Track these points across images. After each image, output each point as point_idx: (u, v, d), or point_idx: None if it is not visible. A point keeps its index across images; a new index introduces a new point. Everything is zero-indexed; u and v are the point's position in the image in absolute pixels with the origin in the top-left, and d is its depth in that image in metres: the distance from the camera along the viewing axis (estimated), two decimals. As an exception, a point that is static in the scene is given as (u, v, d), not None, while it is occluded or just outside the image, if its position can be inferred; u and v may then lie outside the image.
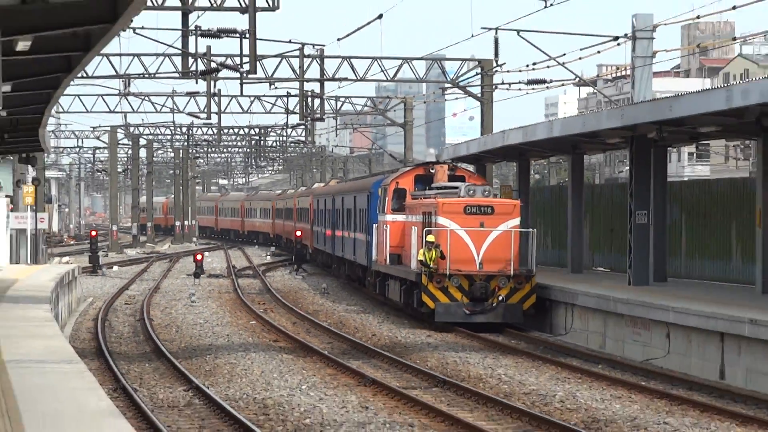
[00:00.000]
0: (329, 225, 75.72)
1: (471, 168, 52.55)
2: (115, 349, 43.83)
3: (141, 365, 40.47)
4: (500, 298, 38.89)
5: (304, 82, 79.88)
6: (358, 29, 63.16)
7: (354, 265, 64.49)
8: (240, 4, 52.29)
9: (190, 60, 57.28)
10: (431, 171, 47.62)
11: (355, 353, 43.91)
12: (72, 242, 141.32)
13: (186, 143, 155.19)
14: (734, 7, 50.88)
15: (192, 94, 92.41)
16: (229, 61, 60.29)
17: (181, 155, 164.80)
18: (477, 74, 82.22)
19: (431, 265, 39.07)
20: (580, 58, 76.15)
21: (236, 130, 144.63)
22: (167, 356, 41.67)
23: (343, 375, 38.45)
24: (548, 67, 68.95)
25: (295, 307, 62.59)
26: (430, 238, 38.99)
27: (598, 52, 63.17)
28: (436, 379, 37.07)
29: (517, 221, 40.22)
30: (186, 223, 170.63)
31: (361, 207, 57.88)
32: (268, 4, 53.00)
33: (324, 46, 78.21)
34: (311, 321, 55.04)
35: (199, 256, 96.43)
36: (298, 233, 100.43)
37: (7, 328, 34.19)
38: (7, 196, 71.17)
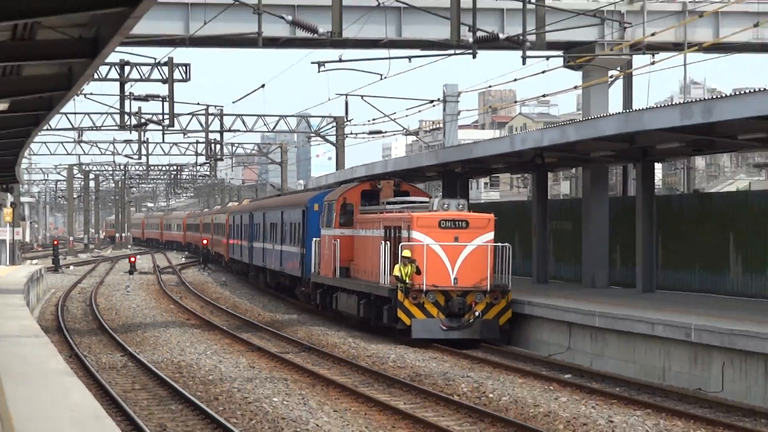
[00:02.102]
0: (246, 237, 68.54)
1: (416, 186, 45.07)
2: (70, 327, 43.31)
3: (89, 338, 40.05)
4: (476, 313, 32.88)
5: (209, 133, 79.73)
6: (248, 95, 62.96)
7: (279, 275, 56.59)
8: (161, 76, 51.83)
9: (126, 117, 56.67)
10: (378, 186, 40.95)
11: (246, 328, 43.64)
12: (40, 249, 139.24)
13: (123, 177, 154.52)
14: (515, 80, 51.45)
15: (127, 141, 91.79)
16: (154, 118, 59.68)
17: (119, 186, 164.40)
18: (333, 126, 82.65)
19: (407, 281, 32.46)
20: (406, 115, 76.88)
21: (160, 167, 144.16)
22: (109, 331, 41.26)
23: (237, 343, 38.18)
24: (384, 121, 69.23)
25: (202, 294, 62.28)
26: (407, 252, 32.30)
27: (419, 110, 63.50)
28: (303, 346, 36.77)
29: (491, 235, 33.51)
30: (123, 234, 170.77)
31: (293, 221, 50.57)
32: (182, 77, 52.77)
33: (223, 106, 78.44)
34: (214, 305, 54.80)
35: (132, 258, 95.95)
36: (205, 241, 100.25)
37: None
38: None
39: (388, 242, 34.70)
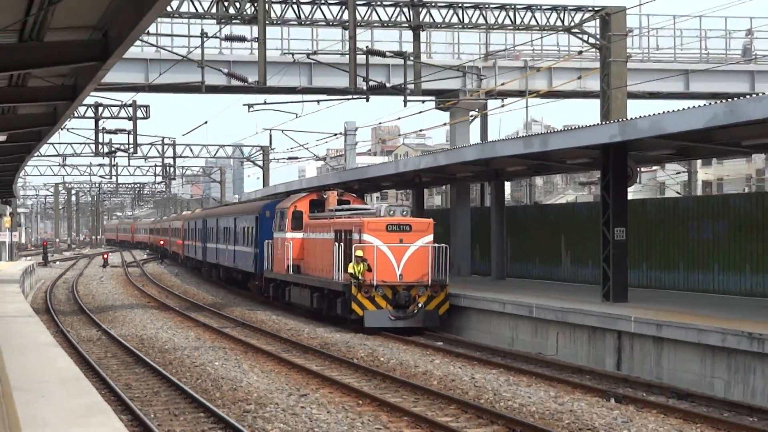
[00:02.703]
0: (200, 239, 65.46)
1: (354, 195, 41.39)
2: (56, 308, 42.74)
3: (71, 317, 39.54)
4: (419, 305, 30.11)
5: (164, 158, 79.15)
6: (194, 129, 63.49)
7: (232, 270, 52.89)
8: (127, 115, 51.47)
9: (100, 146, 56.06)
10: (324, 196, 38.76)
11: (194, 308, 43.27)
12: (32, 249, 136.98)
13: (97, 193, 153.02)
14: (399, 118, 51.83)
15: (101, 165, 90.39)
16: (122, 147, 59.03)
17: (95, 199, 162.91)
18: (260, 153, 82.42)
19: (359, 277, 30.30)
20: (316, 145, 76.95)
21: (126, 185, 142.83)
22: (87, 312, 40.77)
23: (187, 321, 37.88)
24: (299, 149, 69.54)
25: (160, 283, 61.88)
26: (359, 252, 30.22)
27: (326, 141, 63.98)
28: (237, 322, 36.60)
29: (431, 237, 31.31)
30: (98, 237, 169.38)
31: (247, 226, 47.47)
32: (144, 115, 52.43)
33: (175, 138, 77.76)
34: (168, 291, 54.41)
35: (105, 255, 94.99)
36: (162, 242, 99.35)
37: (-6, 297, 33.33)
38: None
39: (341, 243, 32.63)
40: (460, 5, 37.53)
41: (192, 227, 71.70)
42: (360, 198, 39.87)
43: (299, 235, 37.69)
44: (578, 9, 38.09)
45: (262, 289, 43.52)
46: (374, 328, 30.51)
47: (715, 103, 22.03)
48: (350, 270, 30.42)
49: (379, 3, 36.67)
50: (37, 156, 70.90)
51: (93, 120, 52.79)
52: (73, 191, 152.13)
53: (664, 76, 47.58)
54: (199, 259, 67.12)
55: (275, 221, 40.44)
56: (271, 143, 73.30)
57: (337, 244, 32.65)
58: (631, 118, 25.83)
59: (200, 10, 34.82)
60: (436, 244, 31.21)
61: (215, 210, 65.55)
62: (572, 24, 38.23)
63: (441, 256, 31.07)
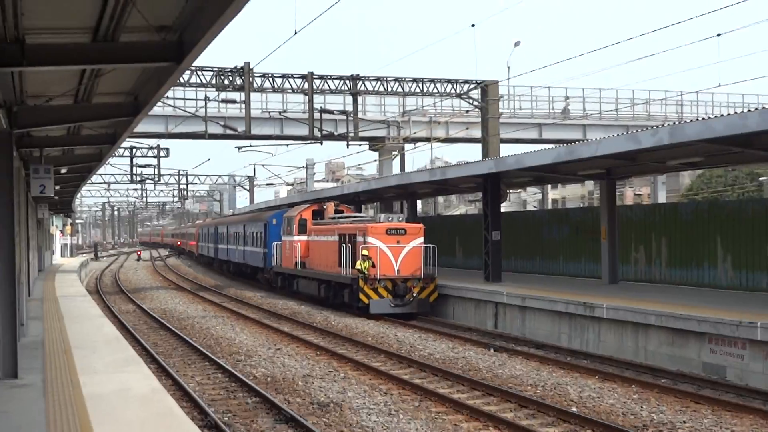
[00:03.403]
0: (212, 241, 61.05)
1: (348, 206, 36.89)
2: (103, 290, 41.99)
3: (114, 296, 38.87)
4: (414, 294, 27.21)
5: (180, 184, 78.22)
6: (201, 164, 62.54)
7: (242, 266, 47.90)
8: (153, 154, 50.80)
9: (134, 176, 55.09)
10: (324, 207, 35.01)
11: (203, 289, 42.71)
12: (86, 248, 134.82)
13: (133, 209, 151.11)
14: (344, 156, 51.86)
15: (135, 189, 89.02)
16: (150, 177, 57.89)
17: (131, 214, 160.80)
18: (247, 181, 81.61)
19: (366, 272, 27.08)
20: (287, 174, 76.10)
21: (153, 204, 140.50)
22: (125, 292, 40.11)
23: (197, 298, 37.41)
24: (274, 177, 69.07)
25: (177, 272, 61.14)
26: (365, 252, 27.22)
27: (294, 172, 63.75)
28: (232, 299, 36.20)
29: (422, 239, 27.95)
30: (134, 239, 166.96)
31: (256, 231, 42.94)
32: (165, 155, 51.98)
33: (187, 170, 76.99)
34: (184, 277, 53.77)
35: (139, 252, 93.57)
36: (179, 243, 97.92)
37: (60, 282, 32.71)
38: (61, 230, 68.19)
39: (347, 245, 28.79)
40: (385, 78, 37.59)
41: (205, 232, 69.21)
42: (349, 208, 36.10)
43: (304, 237, 34.32)
44: (466, 81, 38.29)
45: (270, 280, 39.97)
46: (378, 313, 27.10)
47: (559, 146, 22.30)
48: (358, 266, 27.16)
49: (329, 77, 36.61)
50: (89, 183, 69.66)
51: (129, 158, 52.04)
52: (115, 208, 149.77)
53: (524, 128, 48.05)
54: (211, 256, 64.02)
55: (283, 227, 36.84)
56: (254, 174, 73.06)
57: (344, 245, 29.16)
58: (503, 157, 26.09)
59: (204, 81, 34.47)
60: (425, 245, 28.03)
61: (224, 219, 63.10)
62: (462, 92, 38.42)
63: (429, 255, 28.24)
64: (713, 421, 12.95)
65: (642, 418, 13.09)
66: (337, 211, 34.81)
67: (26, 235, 21.06)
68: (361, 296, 27.08)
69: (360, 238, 27.88)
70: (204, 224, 75.45)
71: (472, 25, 39.19)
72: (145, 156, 52.16)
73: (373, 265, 27.09)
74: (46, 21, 9.36)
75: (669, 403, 14.17)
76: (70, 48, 9.95)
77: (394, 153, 49.34)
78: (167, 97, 36.40)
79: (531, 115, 50.23)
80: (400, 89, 37.90)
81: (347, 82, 36.94)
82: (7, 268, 11.64)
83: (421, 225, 28.96)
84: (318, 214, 35.04)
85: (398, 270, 27.35)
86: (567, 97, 51.81)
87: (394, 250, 27.41)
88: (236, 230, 50.39)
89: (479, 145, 40.49)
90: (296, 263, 34.36)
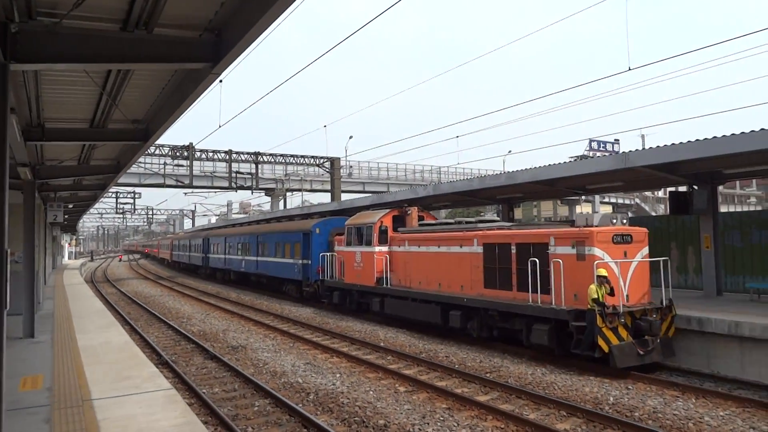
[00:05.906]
0: (192, 251, 41.82)
1: (429, 212, 16.70)
2: (96, 280, 38.54)
3: (104, 284, 35.72)
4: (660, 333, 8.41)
5: (148, 216, 73.04)
6: (163, 201, 58.36)
7: (275, 279, 25.10)
8: (131, 197, 47.18)
9: (119, 210, 51.02)
10: (408, 213, 15.77)
11: (203, 295, 39.26)
12: (85, 254, 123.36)
13: (117, 230, 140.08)
14: (250, 199, 50.09)
15: (119, 217, 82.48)
16: (129, 210, 53.60)
17: (116, 233, 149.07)
18: (192, 212, 77.23)
19: (602, 302, 8.94)
20: (216, 208, 72.97)
21: (131, 226, 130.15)
22: (110, 281, 37.03)
23: (199, 302, 34.32)
24: (208, 212, 66.20)
25: (145, 269, 56.70)
26: (602, 271, 8.97)
27: (220, 208, 61.38)
28: (235, 303, 33.29)
29: (647, 249, 9.75)
30: (118, 248, 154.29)
31: (292, 241, 22.31)
32: (138, 196, 48.71)
33: (153, 206, 72.01)
34: (149, 272, 50.19)
35: (120, 257, 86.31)
36: (146, 250, 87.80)
37: (67, 275, 29.89)
38: (69, 243, 62.32)
39: (531, 259, 10.92)
40: (275, 154, 37.51)
41: (177, 244, 49.25)
42: (432, 215, 16.91)
43: (385, 248, 15.61)
44: (322, 157, 38.85)
45: (313, 294, 20.07)
46: (625, 368, 9.65)
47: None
48: (594, 295, 9.68)
49: (241, 152, 35.89)
50: (88, 213, 64.12)
51: (114, 198, 48.64)
52: (105, 229, 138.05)
53: (354, 185, 48.96)
54: (185, 263, 43.73)
55: (346, 237, 17.06)
56: (195, 209, 69.74)
57: (519, 259, 11.34)
58: (343, 200, 25.78)
59: (163, 153, 32.87)
60: (655, 258, 11.76)
61: (217, 231, 40.03)
62: (319, 163, 38.76)
63: (658, 271, 12.70)
64: None
65: None
66: (419, 218, 16.70)
67: (44, 246, 19.20)
68: (600, 341, 9.70)
69: (552, 249, 10.83)
70: (175, 237, 53.75)
71: (325, 126, 39.63)
72: (125, 197, 48.78)
73: (612, 292, 10.10)
74: (58, 114, 9.43)
75: None
76: (74, 131, 10.09)
77: (280, 197, 48.70)
78: (139, 162, 34.22)
79: (359, 176, 51.20)
80: (283, 161, 37.82)
81: (252, 155, 36.47)
82: (29, 267, 11.00)
83: (645, 229, 10.98)
84: (398, 221, 16.46)
85: (627, 296, 10.41)
86: (378, 165, 52.79)
87: (622, 267, 10.59)
88: (263, 240, 27.46)
89: (329, 194, 40.81)
90: (377, 279, 15.69)
